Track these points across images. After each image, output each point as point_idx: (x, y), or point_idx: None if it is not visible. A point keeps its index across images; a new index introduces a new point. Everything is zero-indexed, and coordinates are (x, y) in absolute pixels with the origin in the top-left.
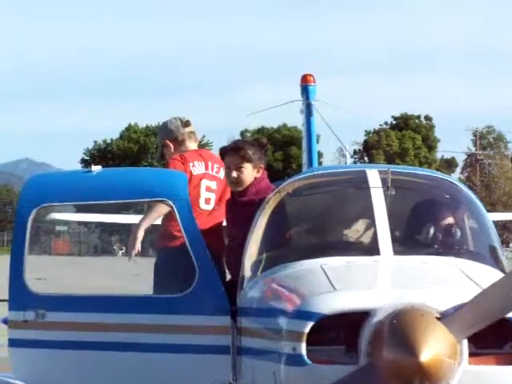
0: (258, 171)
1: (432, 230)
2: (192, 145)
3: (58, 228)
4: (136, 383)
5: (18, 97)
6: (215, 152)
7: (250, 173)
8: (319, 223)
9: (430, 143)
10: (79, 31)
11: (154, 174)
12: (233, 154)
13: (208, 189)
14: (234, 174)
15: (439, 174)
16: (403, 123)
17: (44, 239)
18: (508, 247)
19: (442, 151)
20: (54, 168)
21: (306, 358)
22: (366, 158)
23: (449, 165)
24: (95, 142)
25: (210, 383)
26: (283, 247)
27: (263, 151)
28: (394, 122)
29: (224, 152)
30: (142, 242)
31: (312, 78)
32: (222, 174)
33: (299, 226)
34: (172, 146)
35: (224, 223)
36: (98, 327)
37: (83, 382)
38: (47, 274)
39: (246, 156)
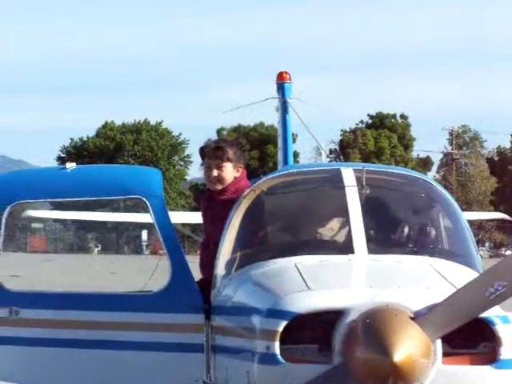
0: (238, 171)
1: (407, 229)
2: None
3: (33, 225)
4: (110, 381)
5: None
6: (191, 150)
7: (230, 172)
8: (294, 221)
9: (406, 142)
10: (57, 28)
11: (128, 171)
12: (214, 153)
13: None
14: (215, 172)
15: (414, 173)
16: (379, 122)
17: (20, 236)
18: (484, 247)
19: (418, 150)
20: (30, 165)
21: (279, 357)
22: (341, 157)
23: (424, 164)
24: (71, 139)
25: (183, 381)
26: (257, 245)
27: (242, 151)
28: (370, 121)
29: (205, 151)
30: (118, 240)
31: (288, 76)
32: None
33: (274, 225)
34: None
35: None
36: (72, 325)
37: (57, 380)
38: (23, 271)
39: (226, 156)
